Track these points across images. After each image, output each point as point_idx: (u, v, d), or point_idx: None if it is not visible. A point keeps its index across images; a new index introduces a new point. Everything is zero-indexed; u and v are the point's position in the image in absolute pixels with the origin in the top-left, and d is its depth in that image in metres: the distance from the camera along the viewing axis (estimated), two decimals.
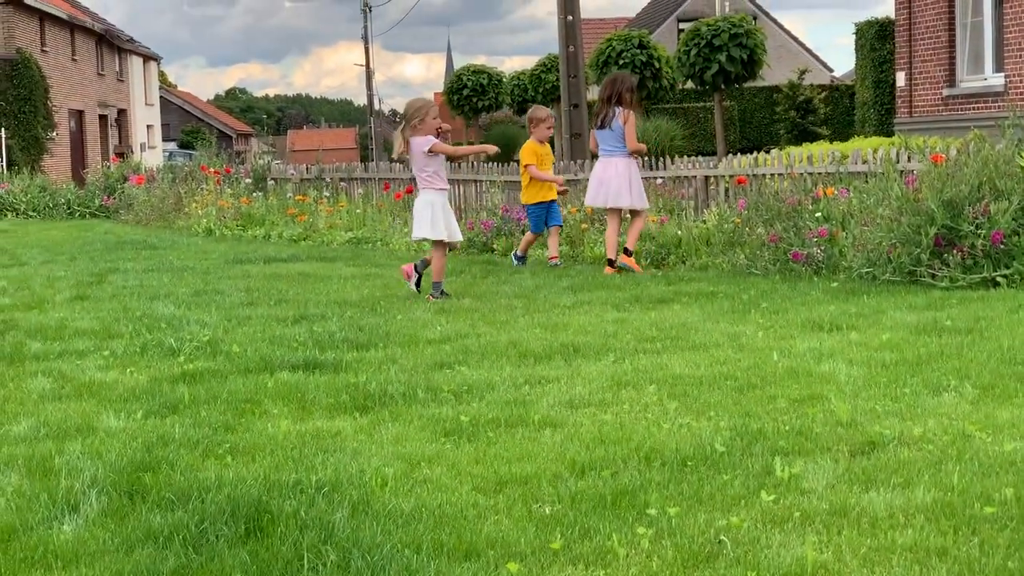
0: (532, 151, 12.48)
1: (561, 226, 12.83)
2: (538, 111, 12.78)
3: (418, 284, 10.44)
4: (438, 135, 10.41)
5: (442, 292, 10.04)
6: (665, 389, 6.09)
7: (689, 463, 4.71)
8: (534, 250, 13.41)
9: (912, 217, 9.70)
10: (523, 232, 14.05)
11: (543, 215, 12.53)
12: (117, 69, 53.63)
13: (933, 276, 9.43)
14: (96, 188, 25.65)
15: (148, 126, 60.06)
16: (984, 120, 19.58)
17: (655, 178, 14.62)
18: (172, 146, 65.99)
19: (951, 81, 22.50)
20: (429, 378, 6.61)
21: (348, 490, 4.51)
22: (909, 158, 11.93)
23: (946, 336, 7.20)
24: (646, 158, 15.44)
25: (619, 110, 11.68)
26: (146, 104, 59.75)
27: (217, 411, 5.96)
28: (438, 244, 10.23)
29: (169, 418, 5.86)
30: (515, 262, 12.44)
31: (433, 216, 10.23)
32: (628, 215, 11.94)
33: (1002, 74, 21.06)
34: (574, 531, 4.00)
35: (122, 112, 54.08)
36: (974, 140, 10.82)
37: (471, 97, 44.11)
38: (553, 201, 12.59)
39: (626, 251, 11.52)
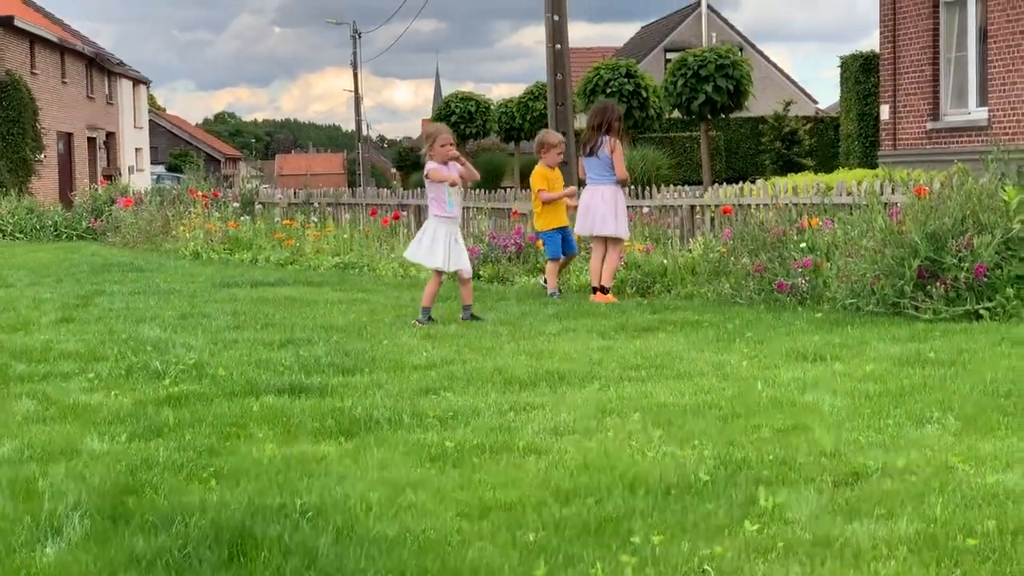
0: (542, 176, 12.34)
1: (575, 255, 12.67)
2: (549, 136, 12.64)
3: (472, 317, 10.33)
4: (446, 162, 10.39)
5: (428, 318, 10.05)
6: (650, 417, 6.11)
7: (673, 491, 4.72)
8: (520, 276, 13.45)
9: (896, 249, 9.75)
10: (510, 260, 14.09)
11: (559, 240, 12.30)
12: (107, 92, 53.64)
13: (916, 308, 9.47)
14: (84, 210, 25.64)
15: (137, 149, 60.04)
16: (968, 154, 19.68)
17: (641, 207, 14.66)
18: (160, 169, 65.97)
19: (935, 115, 22.63)
20: (415, 403, 6.61)
21: (332, 515, 4.51)
22: (893, 190, 11.99)
23: (929, 368, 7.23)
24: (633, 187, 15.49)
25: (607, 139, 11.71)
26: (135, 127, 59.74)
27: (202, 434, 5.95)
28: (436, 270, 10.27)
29: (153, 441, 5.85)
30: (552, 296, 11.95)
31: (432, 243, 10.29)
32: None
33: (986, 108, 21.18)
34: (558, 558, 4.01)
35: (111, 135, 54.05)
36: (958, 174, 10.88)
37: (459, 124, 44.16)
38: (566, 227, 12.45)
39: (602, 289, 11.50)
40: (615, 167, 11.67)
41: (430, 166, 10.35)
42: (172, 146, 78.33)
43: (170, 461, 5.39)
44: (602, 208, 11.62)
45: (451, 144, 10.51)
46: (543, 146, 12.51)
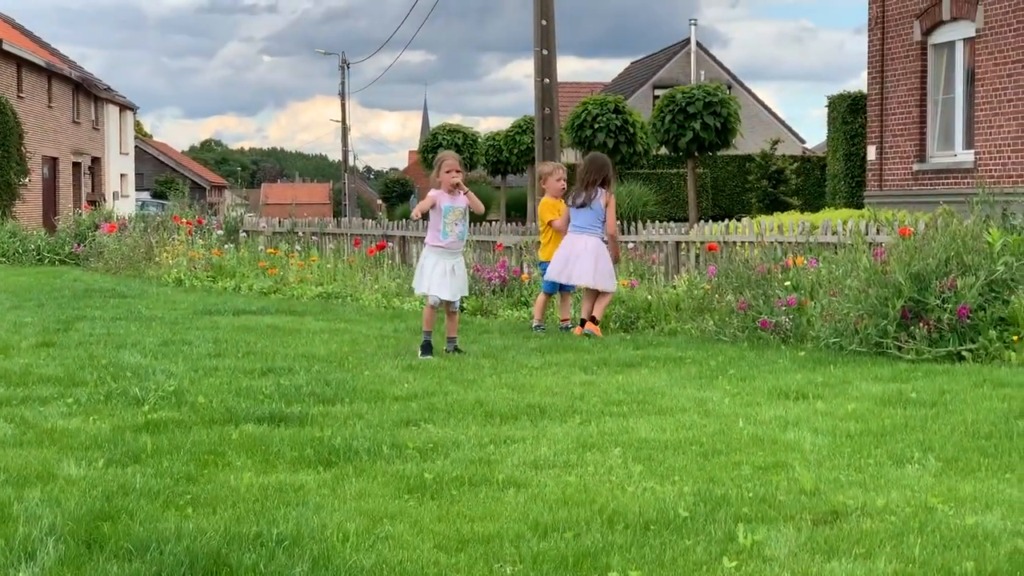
0: (551, 207, 12.23)
1: (571, 292, 12.37)
2: (544, 165, 12.71)
3: (456, 349, 10.28)
4: (450, 190, 10.36)
5: (426, 346, 10.05)
6: (630, 452, 6.09)
7: (652, 527, 4.70)
8: (504, 309, 13.43)
9: (880, 289, 9.77)
10: (494, 292, 14.08)
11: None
12: (93, 117, 53.64)
13: (899, 348, 9.48)
14: (67, 235, 25.58)
15: (122, 175, 60.00)
16: (953, 196, 19.78)
17: (627, 242, 14.68)
18: (145, 195, 65.95)
19: (921, 156, 22.73)
20: (394, 434, 6.58)
21: (309, 544, 4.48)
22: (878, 231, 12.03)
23: (911, 408, 7.23)
24: (620, 222, 15.51)
25: (602, 191, 11.70)
26: (121, 153, 59.72)
27: (180, 462, 5.92)
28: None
29: (131, 467, 5.81)
30: (537, 329, 11.89)
31: (420, 270, 10.52)
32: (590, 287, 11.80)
33: (972, 151, 21.29)
34: None
35: (96, 160, 54.02)
36: (943, 215, 10.93)
37: None
38: None
39: (592, 319, 11.48)
40: (608, 221, 11.68)
41: (430, 195, 10.41)
42: (158, 173, 78.31)
43: (147, 488, 5.35)
44: (584, 258, 11.55)
45: (455, 171, 10.43)
46: (541, 177, 12.61)
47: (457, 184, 10.39)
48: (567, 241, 11.77)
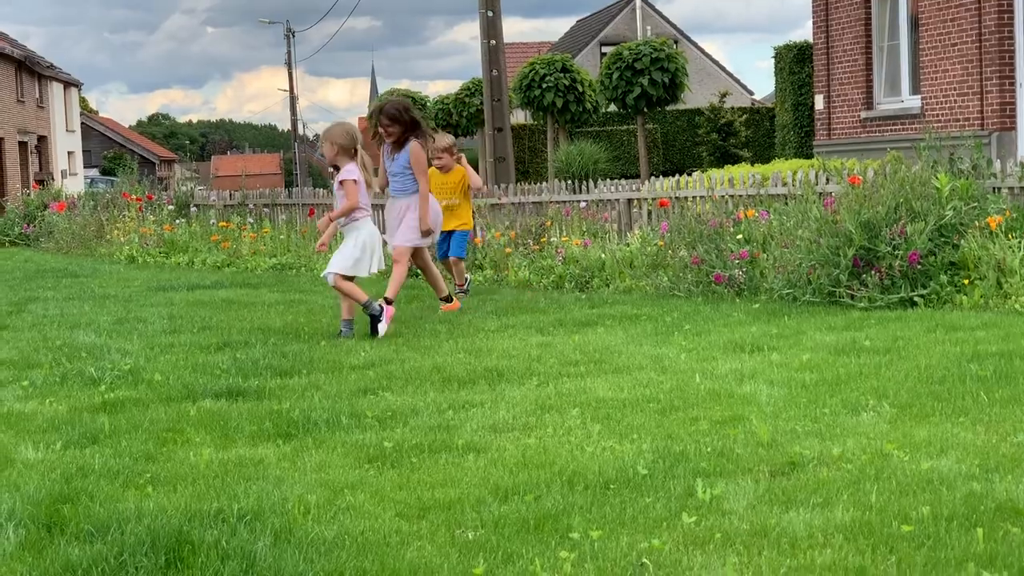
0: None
1: (462, 258, 12.02)
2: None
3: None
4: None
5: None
6: (588, 412, 6.12)
7: (612, 486, 4.74)
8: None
9: (831, 239, 9.84)
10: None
11: (443, 244, 11.89)
12: (37, 95, 53.02)
13: (852, 297, 9.56)
14: (16, 216, 25.32)
15: (69, 152, 59.40)
16: (901, 142, 19.89)
17: (578, 201, 14.69)
18: (94, 173, 65.29)
19: (869, 104, 22.83)
20: (353, 404, 6.59)
21: (270, 518, 4.48)
22: (828, 180, 12.09)
23: (864, 356, 7.30)
24: (570, 181, 15.51)
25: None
26: (67, 130, 59.12)
27: (138, 441, 5.90)
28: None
29: (89, 448, 5.79)
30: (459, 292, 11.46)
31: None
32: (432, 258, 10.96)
33: (918, 96, 21.40)
34: (497, 556, 4.00)
35: (42, 139, 53.44)
36: (891, 162, 11.00)
37: None
38: (454, 231, 11.84)
39: (386, 299, 9.68)
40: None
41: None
42: (105, 149, 77.55)
43: (106, 468, 5.33)
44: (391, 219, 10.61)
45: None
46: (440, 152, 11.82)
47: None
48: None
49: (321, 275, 9.75)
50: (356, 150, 9.52)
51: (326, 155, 9.75)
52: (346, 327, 9.35)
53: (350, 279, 9.37)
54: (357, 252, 9.41)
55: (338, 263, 9.39)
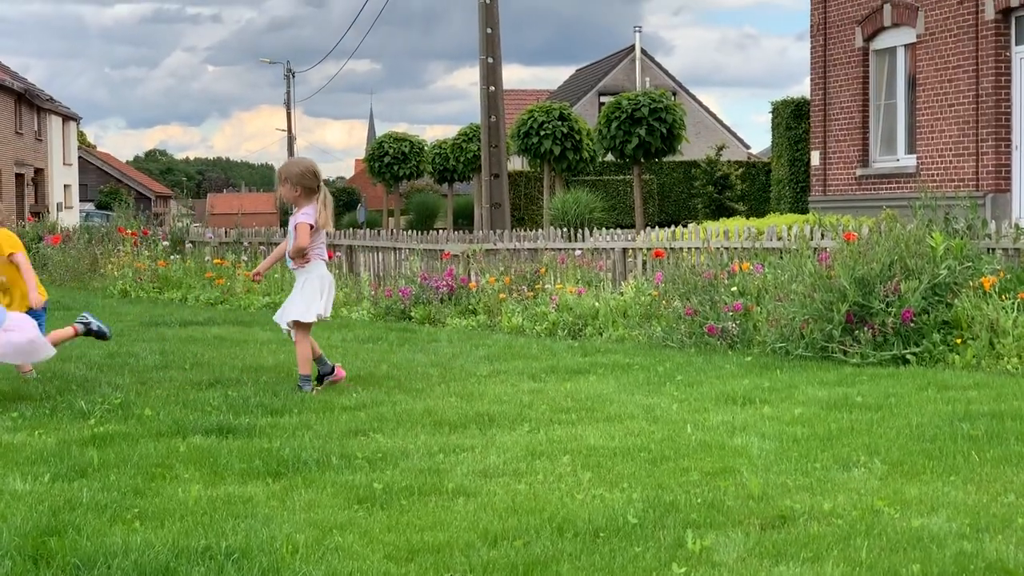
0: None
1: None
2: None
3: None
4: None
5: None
6: (579, 460, 6.11)
7: (602, 534, 4.72)
8: (452, 317, 13.41)
9: (825, 294, 9.85)
10: (441, 301, 14.07)
11: None
12: (36, 128, 53.15)
13: (845, 352, 9.56)
14: None
15: (66, 186, 59.47)
16: (896, 200, 19.98)
17: (574, 249, 14.72)
18: (89, 206, 65.39)
19: (864, 161, 22.94)
20: (343, 445, 6.57)
21: (258, 557, 4.46)
22: (823, 235, 12.13)
23: (856, 412, 7.30)
24: (566, 229, 15.54)
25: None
26: (64, 164, 59.21)
27: (127, 475, 5.87)
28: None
29: (77, 482, 5.76)
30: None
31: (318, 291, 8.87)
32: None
33: (914, 156, 21.51)
34: None
35: (39, 171, 53.52)
36: (886, 219, 11.04)
37: (392, 164, 44.08)
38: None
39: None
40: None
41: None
42: (102, 183, 77.69)
43: (94, 502, 5.31)
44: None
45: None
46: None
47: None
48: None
49: (274, 319, 9.09)
50: (319, 187, 8.75)
51: (285, 196, 8.89)
52: (322, 367, 8.87)
53: (307, 328, 8.74)
54: (308, 296, 8.71)
55: (292, 310, 8.73)
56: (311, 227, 8.64)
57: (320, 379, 8.81)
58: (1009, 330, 9.36)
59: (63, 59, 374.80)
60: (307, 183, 8.69)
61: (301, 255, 8.69)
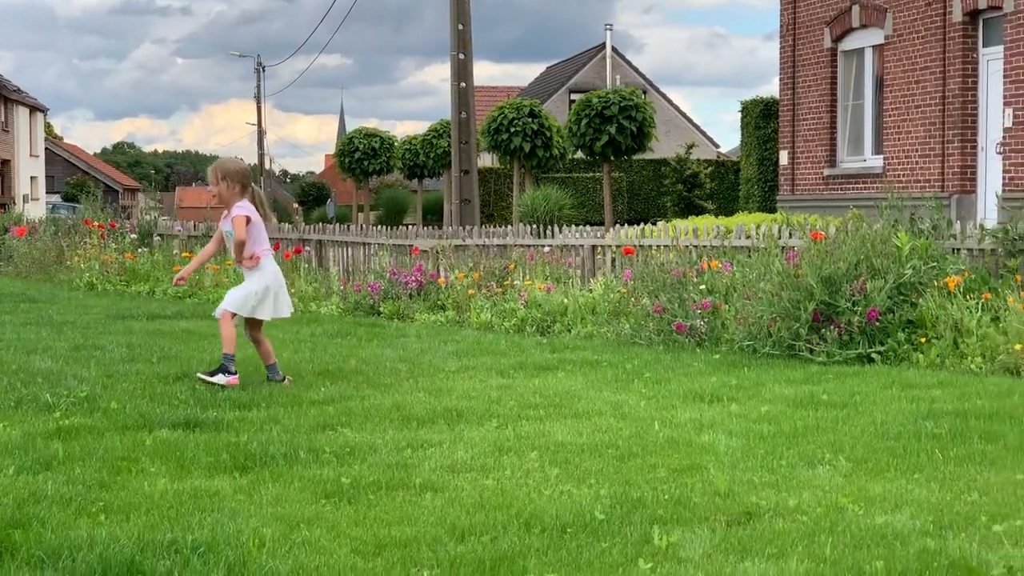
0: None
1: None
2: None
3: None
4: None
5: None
6: (547, 456, 6.12)
7: (569, 530, 4.74)
8: (421, 313, 13.40)
9: (792, 292, 9.90)
10: (411, 296, 14.06)
11: None
12: (2, 119, 52.78)
13: (811, 351, 9.62)
14: None
15: (32, 177, 59.09)
16: (863, 200, 20.09)
17: (543, 246, 14.74)
18: (56, 198, 64.94)
19: (832, 161, 23.05)
20: (311, 439, 6.56)
21: (224, 551, 4.45)
22: (791, 234, 12.19)
23: (822, 410, 7.34)
24: (535, 226, 15.56)
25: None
26: (31, 155, 58.83)
27: (92, 468, 5.85)
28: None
29: (42, 475, 5.73)
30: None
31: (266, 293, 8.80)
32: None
33: (881, 156, 21.63)
34: None
35: (5, 162, 53.15)
36: (853, 219, 11.11)
37: (362, 160, 43.98)
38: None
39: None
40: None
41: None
42: (69, 175, 77.16)
43: (58, 495, 5.29)
44: None
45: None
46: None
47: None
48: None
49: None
50: (251, 187, 8.72)
51: (218, 193, 8.71)
52: (271, 372, 8.74)
53: (256, 326, 8.73)
54: (252, 293, 8.62)
55: (230, 300, 8.65)
56: (248, 219, 8.57)
57: (215, 370, 8.48)
58: (973, 330, 9.43)
59: (31, 50, 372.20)
60: (243, 180, 8.70)
61: (241, 250, 8.57)
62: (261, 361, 8.90)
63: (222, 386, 8.29)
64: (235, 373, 8.50)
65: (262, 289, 8.69)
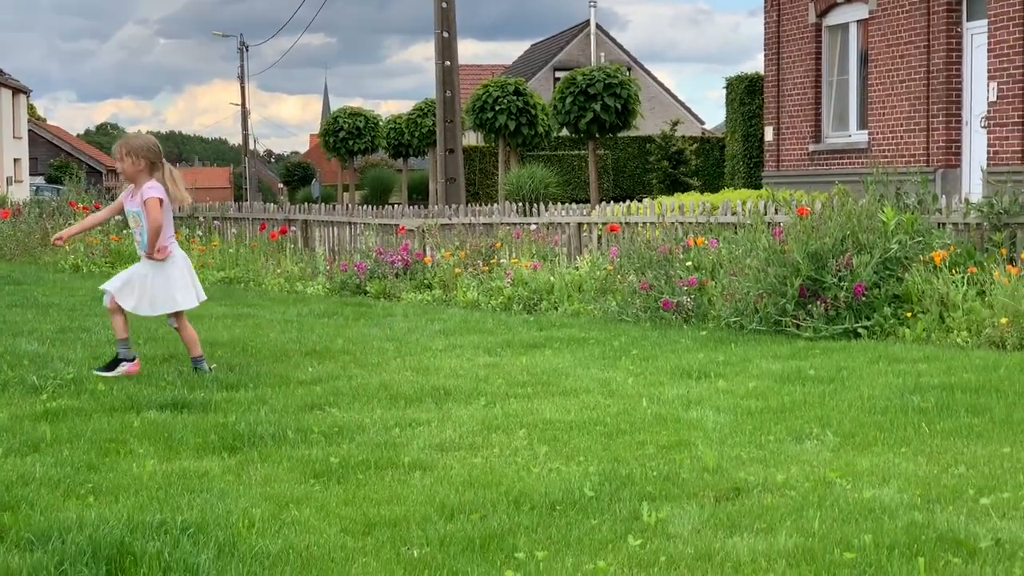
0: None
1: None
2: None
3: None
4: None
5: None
6: (535, 433, 6.13)
7: (558, 507, 4.75)
8: (407, 292, 13.39)
9: (778, 268, 9.91)
10: (397, 276, 14.05)
11: None
12: None
13: (798, 326, 9.63)
14: None
15: (15, 159, 58.85)
16: (848, 175, 20.12)
17: (529, 224, 14.73)
18: (39, 180, 64.68)
19: (817, 137, 23.06)
20: (299, 419, 6.56)
21: (214, 531, 4.45)
22: (777, 210, 12.19)
23: (809, 385, 7.36)
24: (521, 204, 15.54)
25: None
26: (14, 137, 58.57)
27: (80, 450, 5.84)
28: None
29: (30, 457, 5.72)
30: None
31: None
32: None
33: (866, 131, 21.65)
34: (442, 574, 4.00)
35: None
36: (838, 195, 11.11)
37: (347, 139, 43.91)
38: None
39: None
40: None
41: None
42: (52, 157, 76.84)
43: (47, 477, 5.28)
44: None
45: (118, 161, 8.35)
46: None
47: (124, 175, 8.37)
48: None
49: (134, 309, 8.27)
50: (162, 163, 8.27)
51: (124, 170, 8.27)
52: (197, 363, 8.29)
53: (167, 316, 8.39)
54: (180, 283, 8.28)
55: (169, 300, 8.27)
56: (161, 201, 8.10)
57: (114, 364, 8.16)
58: (959, 304, 9.45)
59: (13, 31, 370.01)
60: (151, 156, 8.20)
61: (156, 236, 8.08)
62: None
63: (208, 370, 8.18)
64: (133, 359, 8.16)
65: (181, 276, 8.30)
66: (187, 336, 8.39)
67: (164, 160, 8.33)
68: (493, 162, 39.32)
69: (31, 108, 73.28)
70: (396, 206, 18.96)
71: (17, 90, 59.54)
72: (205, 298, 8.72)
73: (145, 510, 4.75)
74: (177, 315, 8.40)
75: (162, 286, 8.24)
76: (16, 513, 4.71)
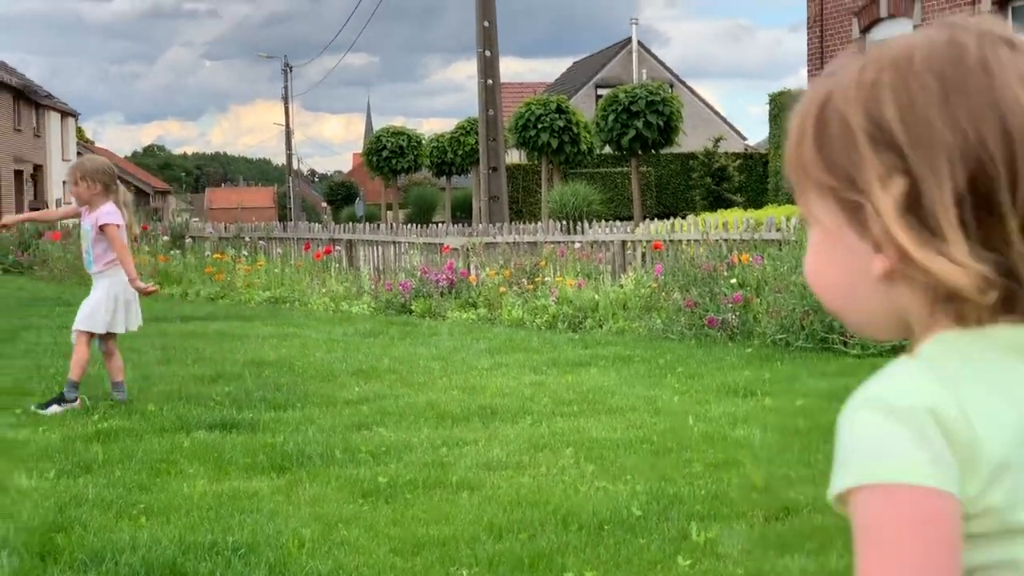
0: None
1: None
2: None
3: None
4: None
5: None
6: (582, 452, 6.13)
7: (606, 527, 4.74)
8: (452, 311, 13.42)
9: None
10: (441, 295, 14.08)
11: None
12: (34, 124, 53.11)
13: (845, 343, 9.59)
14: (10, 243, 25.27)
15: (64, 182, 59.38)
16: None
17: (573, 242, 14.74)
18: None
19: None
20: (347, 439, 6.59)
21: (265, 552, 4.48)
22: None
23: None
24: (565, 222, 15.55)
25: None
26: (63, 160, 59.09)
27: (131, 471, 5.89)
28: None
29: (82, 478, 5.78)
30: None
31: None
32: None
33: None
34: None
35: (38, 167, 53.50)
36: None
37: (390, 158, 44.07)
38: None
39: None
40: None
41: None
42: None
43: (99, 498, 5.33)
44: None
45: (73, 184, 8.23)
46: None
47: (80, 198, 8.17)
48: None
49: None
50: (114, 187, 8.07)
51: (78, 194, 8.10)
52: (116, 390, 8.06)
53: (110, 339, 8.09)
54: (106, 305, 7.99)
55: (80, 318, 8.05)
56: (118, 227, 7.91)
57: (52, 401, 7.80)
58: None
59: (61, 55, 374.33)
60: (105, 179, 8.03)
61: (128, 260, 7.95)
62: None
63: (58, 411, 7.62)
64: (75, 400, 7.81)
65: (111, 299, 7.98)
66: (75, 356, 7.95)
67: (119, 183, 8.18)
68: (536, 180, 39.33)
69: (79, 131, 73.96)
70: (440, 225, 19.03)
71: (66, 113, 60.14)
72: (134, 329, 8.27)
73: (196, 530, 4.79)
74: (108, 338, 8.08)
75: (91, 303, 8.02)
76: (70, 534, 4.75)
